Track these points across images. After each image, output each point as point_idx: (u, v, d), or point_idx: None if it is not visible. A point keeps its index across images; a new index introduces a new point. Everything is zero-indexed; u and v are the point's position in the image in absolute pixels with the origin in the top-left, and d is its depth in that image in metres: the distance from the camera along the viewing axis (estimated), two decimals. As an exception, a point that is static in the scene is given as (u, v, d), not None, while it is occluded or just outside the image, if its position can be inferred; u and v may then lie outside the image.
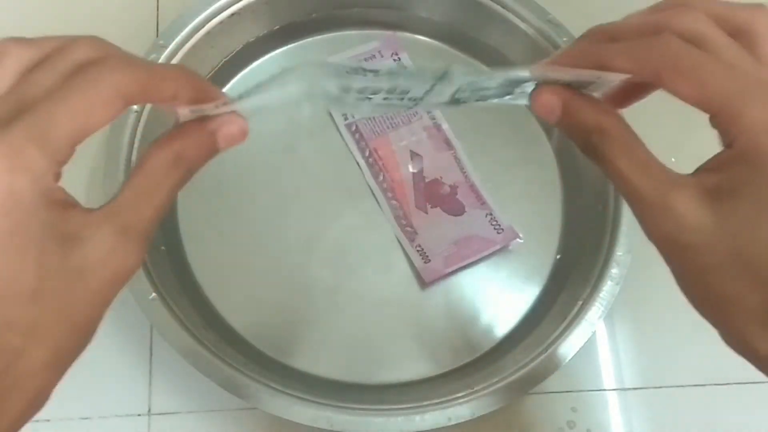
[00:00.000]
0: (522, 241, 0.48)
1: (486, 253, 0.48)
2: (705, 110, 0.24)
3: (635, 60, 0.25)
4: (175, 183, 0.25)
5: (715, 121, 0.25)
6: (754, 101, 0.22)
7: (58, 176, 0.22)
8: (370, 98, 0.28)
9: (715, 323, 0.24)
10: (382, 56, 0.53)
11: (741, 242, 0.22)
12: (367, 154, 0.50)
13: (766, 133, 0.22)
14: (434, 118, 0.52)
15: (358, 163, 0.50)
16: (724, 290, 0.23)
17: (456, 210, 0.49)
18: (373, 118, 0.51)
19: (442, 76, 0.26)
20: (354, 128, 0.51)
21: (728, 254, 0.23)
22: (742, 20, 0.24)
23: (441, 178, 0.50)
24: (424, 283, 0.47)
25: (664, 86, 0.25)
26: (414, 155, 0.50)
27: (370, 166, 0.50)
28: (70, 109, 0.22)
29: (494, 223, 0.48)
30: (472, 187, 0.50)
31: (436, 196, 0.49)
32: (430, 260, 0.47)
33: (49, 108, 0.21)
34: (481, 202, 0.49)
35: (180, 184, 0.26)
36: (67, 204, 0.23)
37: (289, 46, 0.53)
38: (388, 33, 0.54)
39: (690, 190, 0.25)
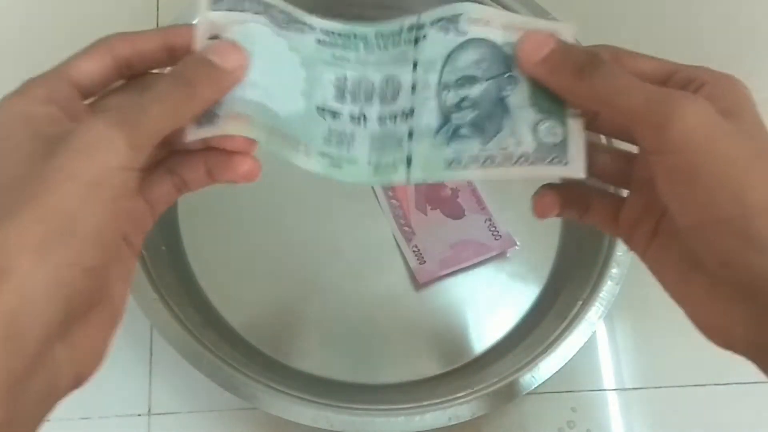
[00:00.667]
0: (519, 248, 0.48)
1: (482, 258, 0.48)
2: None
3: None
4: (184, 113, 0.25)
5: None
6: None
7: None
8: (364, 121, 0.28)
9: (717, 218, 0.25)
10: None
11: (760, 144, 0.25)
12: None
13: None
14: None
15: None
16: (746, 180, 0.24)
17: (456, 213, 0.49)
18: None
19: (414, 30, 0.27)
20: None
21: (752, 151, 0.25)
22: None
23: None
24: (418, 284, 0.47)
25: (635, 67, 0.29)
26: None
27: None
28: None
29: (492, 229, 0.48)
30: (474, 192, 0.50)
31: (437, 198, 0.49)
32: (425, 261, 0.47)
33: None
34: (482, 207, 0.49)
35: (189, 114, 0.26)
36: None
37: (289, 46, 0.53)
38: None
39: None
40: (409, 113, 0.27)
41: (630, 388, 0.47)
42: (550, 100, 0.26)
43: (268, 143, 0.27)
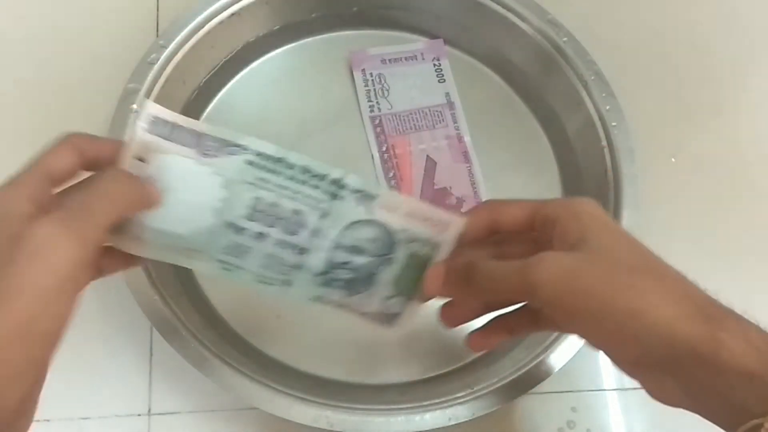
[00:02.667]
0: None
1: None
2: None
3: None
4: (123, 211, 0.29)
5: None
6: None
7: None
8: (263, 239, 0.32)
9: (626, 327, 0.29)
10: (423, 59, 0.53)
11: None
12: (384, 149, 0.50)
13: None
14: (458, 129, 0.52)
15: (372, 156, 0.50)
16: (626, 288, 0.29)
17: None
18: (399, 116, 0.51)
19: (335, 188, 0.32)
20: (377, 121, 0.51)
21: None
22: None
23: (450, 188, 0.50)
24: None
25: (502, 217, 0.34)
26: (429, 160, 0.50)
27: (384, 161, 0.50)
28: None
29: None
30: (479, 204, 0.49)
31: (441, 205, 0.49)
32: None
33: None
34: None
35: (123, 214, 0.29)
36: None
37: (289, 46, 0.53)
38: (434, 40, 0.54)
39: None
40: (303, 251, 0.33)
41: (630, 388, 0.47)
42: (409, 282, 0.34)
43: (161, 258, 0.32)
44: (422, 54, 0.53)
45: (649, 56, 0.57)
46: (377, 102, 0.52)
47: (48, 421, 0.43)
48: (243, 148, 0.31)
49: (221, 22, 0.49)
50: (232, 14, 0.49)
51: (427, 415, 0.41)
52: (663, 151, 0.54)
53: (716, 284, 0.55)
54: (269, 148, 0.31)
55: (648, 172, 0.49)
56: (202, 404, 0.44)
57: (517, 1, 0.51)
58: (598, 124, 0.49)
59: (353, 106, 0.52)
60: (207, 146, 0.31)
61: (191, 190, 0.31)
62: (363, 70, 0.52)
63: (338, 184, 0.32)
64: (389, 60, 0.53)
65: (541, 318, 0.35)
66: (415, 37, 0.54)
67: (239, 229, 0.32)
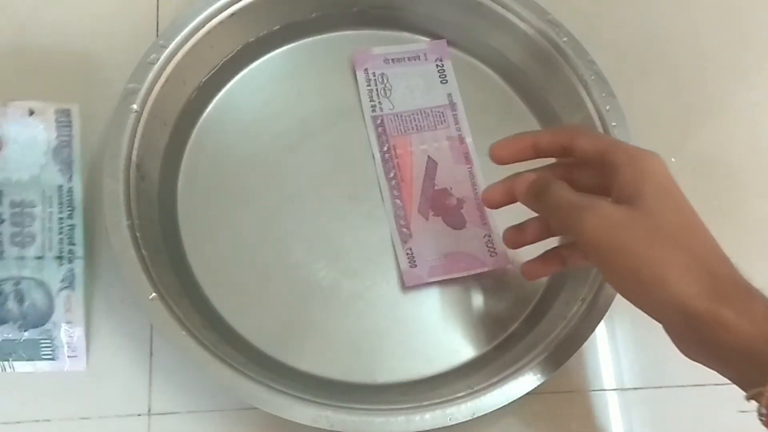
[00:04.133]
0: (511, 266, 0.48)
1: (472, 272, 0.48)
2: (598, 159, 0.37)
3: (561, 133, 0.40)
4: None
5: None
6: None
7: None
8: None
9: (644, 279, 0.33)
10: (426, 59, 0.53)
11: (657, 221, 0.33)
12: (385, 149, 0.50)
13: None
14: (459, 130, 0.51)
15: (373, 156, 0.50)
16: (656, 255, 0.32)
17: (457, 224, 0.49)
18: (401, 116, 0.51)
19: None
20: (379, 121, 0.51)
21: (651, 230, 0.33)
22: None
23: (451, 189, 0.50)
24: (404, 287, 0.47)
25: (575, 146, 0.38)
26: (430, 161, 0.50)
27: (384, 161, 0.50)
28: None
29: (490, 245, 0.48)
30: (479, 205, 0.49)
31: (442, 205, 0.49)
32: (416, 265, 0.47)
33: None
34: (484, 222, 0.49)
35: None
36: None
37: (289, 46, 0.53)
38: (438, 41, 0.54)
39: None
40: None
41: (630, 388, 0.47)
42: None
43: None
44: (425, 54, 0.53)
45: (649, 56, 0.57)
46: (379, 102, 0.52)
47: (48, 421, 0.43)
48: None
49: (221, 22, 0.49)
50: (232, 14, 0.49)
51: (427, 415, 0.41)
52: (663, 151, 0.54)
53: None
54: None
55: (648, 172, 0.49)
56: (202, 404, 0.44)
57: (517, 1, 0.51)
58: (598, 124, 0.49)
59: (354, 106, 0.52)
60: None
61: None
62: (366, 69, 0.52)
63: None
64: (392, 60, 0.53)
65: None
66: (415, 37, 0.54)
67: None
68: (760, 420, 0.31)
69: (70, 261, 0.44)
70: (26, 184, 0.44)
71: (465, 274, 0.48)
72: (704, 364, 0.34)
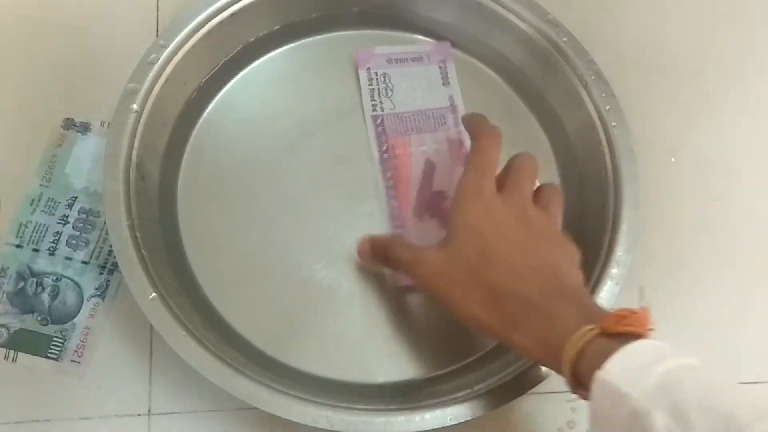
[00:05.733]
0: None
1: None
2: None
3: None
4: None
5: None
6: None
7: None
8: None
9: (459, 317, 0.40)
10: (429, 60, 0.53)
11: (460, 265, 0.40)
12: (384, 148, 0.50)
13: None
14: (459, 133, 0.51)
15: (372, 155, 0.50)
16: (458, 297, 0.40)
17: None
18: (401, 117, 0.51)
19: None
20: (379, 120, 0.51)
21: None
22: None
23: (447, 191, 0.50)
24: (397, 286, 0.47)
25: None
26: (429, 162, 0.50)
27: (383, 161, 0.50)
28: None
29: None
30: None
31: (437, 208, 0.49)
32: None
33: None
34: None
35: None
36: None
37: (289, 46, 0.53)
38: (442, 43, 0.54)
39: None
40: None
41: (630, 388, 0.47)
42: None
43: None
44: (428, 56, 0.53)
45: (649, 56, 0.57)
46: (380, 101, 0.52)
47: (48, 421, 0.43)
48: None
49: (221, 22, 0.49)
50: (232, 14, 0.49)
51: (427, 415, 0.41)
52: (663, 151, 0.54)
53: (716, 284, 0.55)
54: None
55: (648, 172, 0.49)
56: (202, 404, 0.44)
57: (517, 1, 0.51)
58: (598, 124, 0.49)
59: (354, 107, 0.52)
60: None
61: None
62: (368, 68, 0.52)
63: None
64: (395, 60, 0.53)
65: None
66: (415, 37, 0.54)
67: None
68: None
69: (111, 273, 0.46)
70: (99, 196, 0.47)
71: None
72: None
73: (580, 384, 0.35)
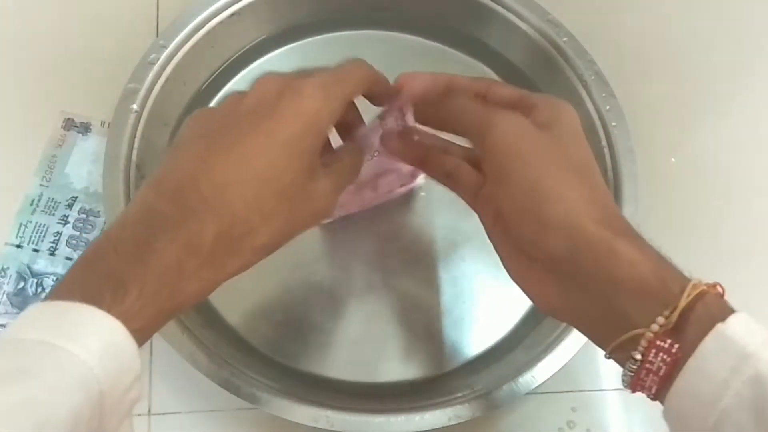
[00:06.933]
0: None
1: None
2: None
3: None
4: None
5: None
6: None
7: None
8: None
9: (543, 207, 0.31)
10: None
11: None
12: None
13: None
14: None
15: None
16: (560, 175, 0.32)
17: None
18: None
19: None
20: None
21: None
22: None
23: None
24: None
25: (491, 93, 0.37)
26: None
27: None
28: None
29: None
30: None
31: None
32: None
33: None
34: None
35: None
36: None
37: (290, 46, 0.53)
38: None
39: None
40: None
41: (630, 388, 0.47)
42: None
43: None
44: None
45: (648, 56, 0.57)
46: None
47: (48, 421, 0.43)
48: None
49: (221, 22, 0.49)
50: (232, 14, 0.49)
51: (427, 415, 0.41)
52: (663, 151, 0.54)
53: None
54: None
55: (648, 172, 0.49)
56: (202, 404, 0.44)
57: (517, 1, 0.51)
58: (598, 124, 0.49)
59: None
60: None
61: None
62: None
63: None
64: None
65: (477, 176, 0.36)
66: (415, 37, 0.54)
67: None
68: (626, 378, 0.29)
69: None
70: (99, 196, 0.47)
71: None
72: (561, 313, 0.33)
73: (673, 335, 0.28)
